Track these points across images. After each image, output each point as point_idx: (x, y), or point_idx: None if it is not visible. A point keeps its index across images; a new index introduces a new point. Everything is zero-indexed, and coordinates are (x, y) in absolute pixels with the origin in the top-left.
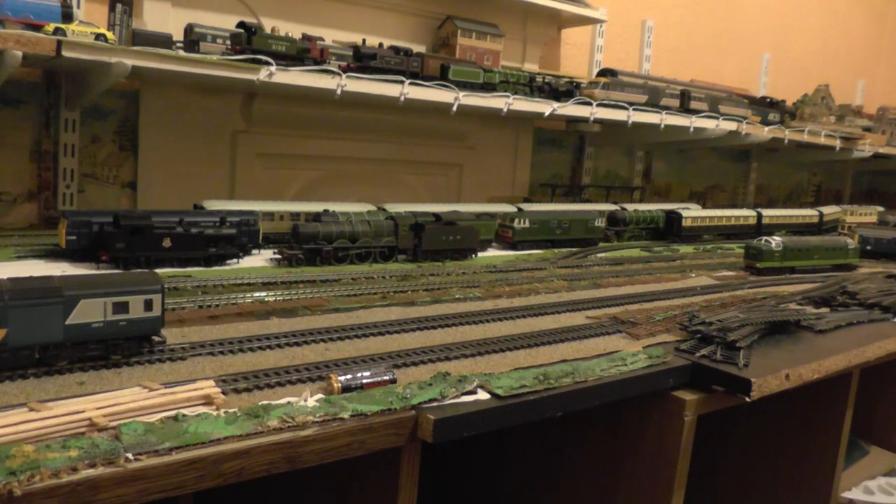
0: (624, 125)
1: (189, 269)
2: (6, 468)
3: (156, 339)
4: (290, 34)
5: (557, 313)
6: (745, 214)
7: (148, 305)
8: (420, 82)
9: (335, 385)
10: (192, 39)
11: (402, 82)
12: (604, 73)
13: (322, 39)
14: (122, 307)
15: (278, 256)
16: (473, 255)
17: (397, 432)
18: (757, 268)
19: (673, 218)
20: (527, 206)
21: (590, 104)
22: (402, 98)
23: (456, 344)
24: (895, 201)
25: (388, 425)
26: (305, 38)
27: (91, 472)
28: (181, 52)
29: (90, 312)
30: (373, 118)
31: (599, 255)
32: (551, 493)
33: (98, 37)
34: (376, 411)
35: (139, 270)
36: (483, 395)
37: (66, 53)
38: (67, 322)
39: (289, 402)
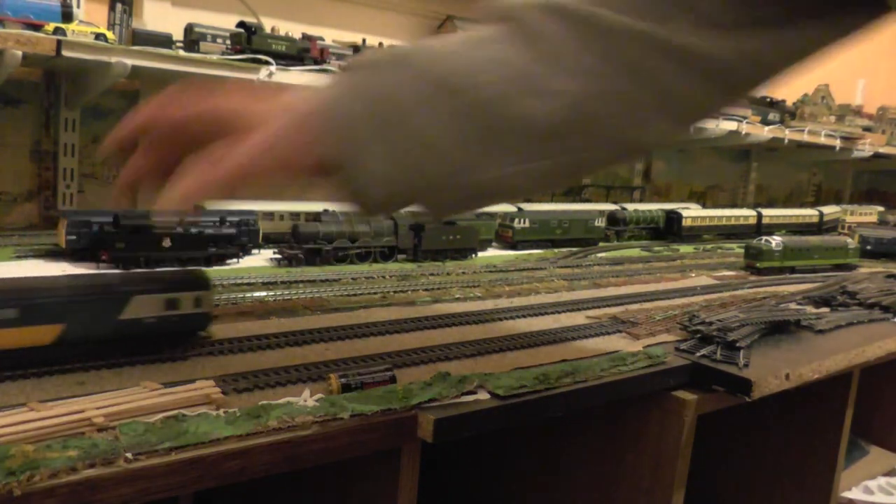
0: None
1: (189, 270)
2: (6, 468)
3: (203, 334)
4: (290, 34)
5: (557, 313)
6: (745, 214)
7: (197, 302)
8: None
9: (335, 385)
10: (192, 39)
11: None
12: None
13: (322, 39)
14: (173, 303)
15: (278, 256)
16: (473, 255)
17: (397, 432)
18: (757, 268)
19: (673, 218)
20: (527, 206)
21: None
22: None
23: (456, 344)
24: (895, 201)
25: (388, 425)
26: (305, 37)
27: (91, 472)
28: (181, 52)
29: (143, 308)
30: None
31: (599, 254)
32: (551, 492)
33: (98, 36)
34: (376, 411)
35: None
36: (483, 396)
37: (66, 53)
38: (121, 317)
39: (289, 402)
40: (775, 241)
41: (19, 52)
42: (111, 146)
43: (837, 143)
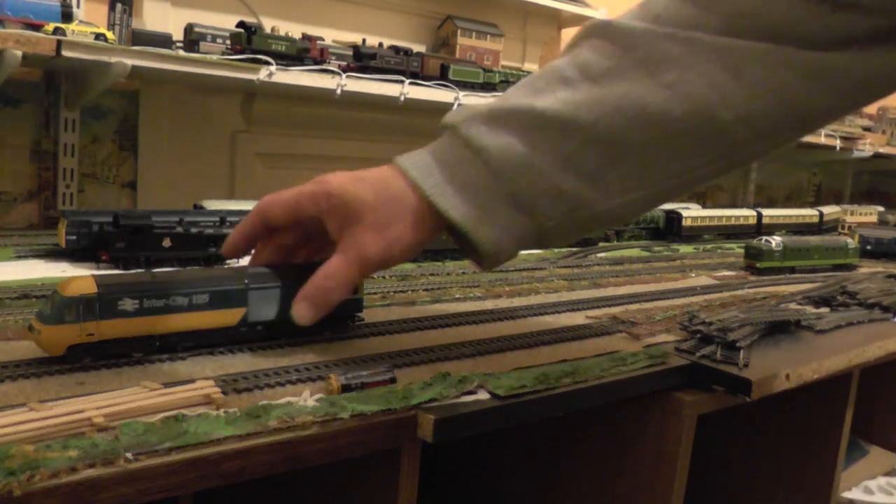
0: None
1: (189, 269)
2: (6, 468)
3: (358, 315)
4: (290, 34)
5: (557, 313)
6: (745, 214)
7: (353, 288)
8: (420, 82)
9: (335, 385)
10: (192, 39)
11: (402, 82)
12: None
13: (322, 39)
14: None
15: None
16: None
17: (397, 432)
18: (757, 268)
19: (673, 218)
20: None
21: None
22: (402, 98)
23: (456, 344)
24: (895, 201)
25: (388, 425)
26: (305, 38)
27: (91, 472)
28: (181, 52)
29: None
30: (373, 118)
31: (599, 255)
32: (551, 493)
33: (98, 36)
34: (376, 411)
35: None
36: (483, 395)
37: (66, 53)
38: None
39: (289, 402)
40: (775, 241)
41: (19, 52)
42: (234, 246)
43: (837, 143)
